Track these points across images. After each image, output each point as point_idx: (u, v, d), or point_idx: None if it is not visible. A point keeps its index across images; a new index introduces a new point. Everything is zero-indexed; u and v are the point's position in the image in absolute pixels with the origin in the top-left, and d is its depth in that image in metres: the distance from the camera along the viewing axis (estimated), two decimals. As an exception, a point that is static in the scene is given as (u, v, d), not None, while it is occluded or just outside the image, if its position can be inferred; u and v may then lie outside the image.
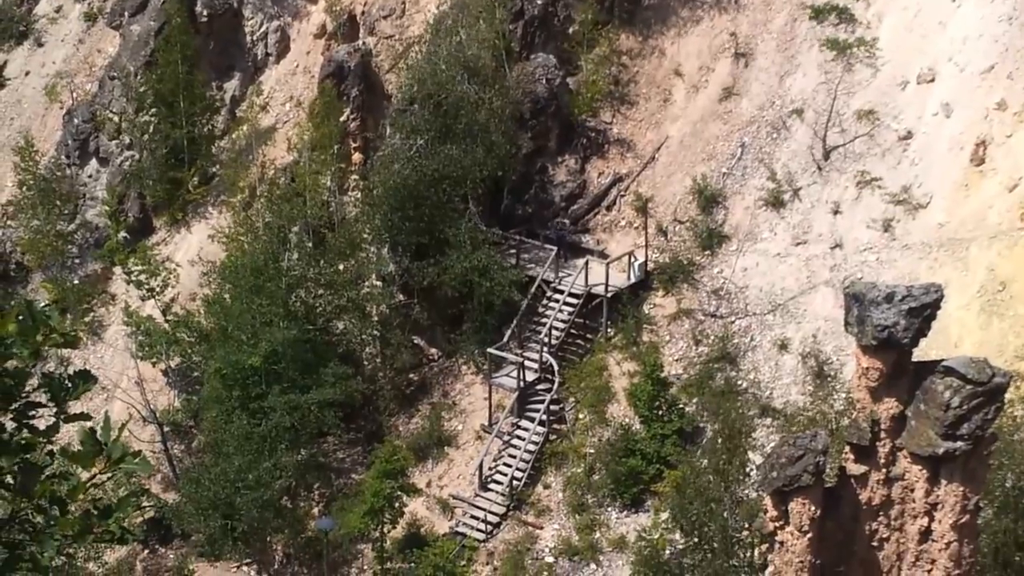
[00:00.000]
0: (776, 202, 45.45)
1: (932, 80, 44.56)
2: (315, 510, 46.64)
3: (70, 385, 7.34)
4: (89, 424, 7.63)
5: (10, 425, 7.26)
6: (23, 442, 7.25)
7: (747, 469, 35.89)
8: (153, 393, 52.18)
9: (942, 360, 22.47)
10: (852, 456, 22.79)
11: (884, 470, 22.34)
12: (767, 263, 44.43)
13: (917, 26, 46.09)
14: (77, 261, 60.78)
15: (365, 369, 49.16)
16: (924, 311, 22.12)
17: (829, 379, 40.21)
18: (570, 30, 52.92)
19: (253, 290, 46.60)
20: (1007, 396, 22.98)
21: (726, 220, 46.17)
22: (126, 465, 7.36)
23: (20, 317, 7.03)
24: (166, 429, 50.62)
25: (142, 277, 53.20)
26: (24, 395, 7.20)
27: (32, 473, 7.20)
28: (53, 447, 7.50)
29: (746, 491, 35.51)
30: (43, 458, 7.43)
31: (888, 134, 44.57)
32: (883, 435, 22.22)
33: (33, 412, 7.30)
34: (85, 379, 7.42)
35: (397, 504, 42.21)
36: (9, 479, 7.18)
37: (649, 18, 52.57)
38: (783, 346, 42.33)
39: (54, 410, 7.31)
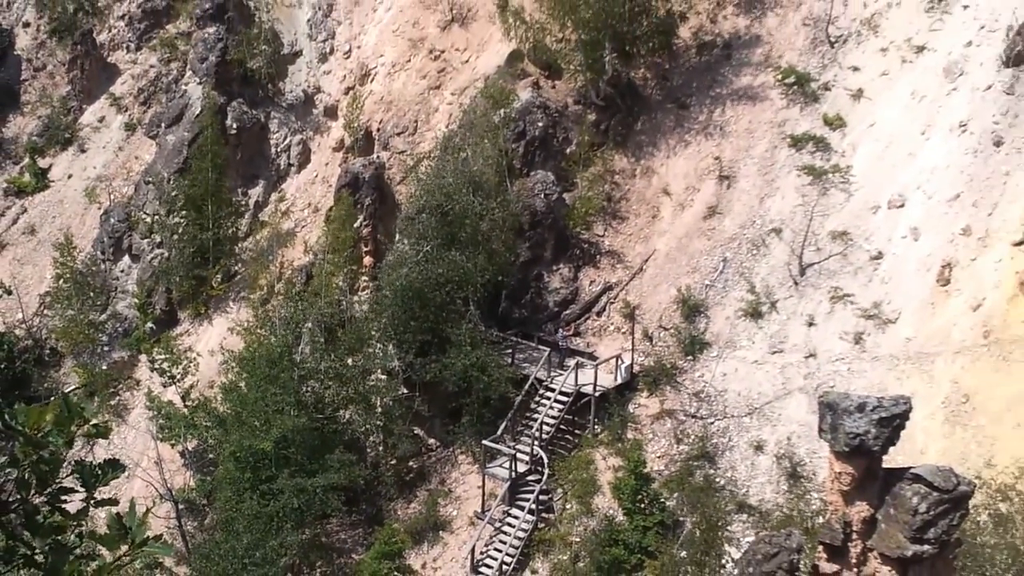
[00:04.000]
0: (755, 313, 45.31)
1: (902, 206, 44.69)
2: (317, 588, 46.02)
3: (100, 472, 7.23)
4: (116, 509, 7.51)
5: (44, 508, 7.14)
6: (55, 524, 7.12)
7: (723, 561, 35.43)
8: (171, 472, 51.83)
9: (910, 467, 22.18)
10: (825, 555, 22.40)
11: (855, 569, 21.94)
12: (745, 369, 44.17)
13: (888, 156, 46.37)
14: (106, 348, 60.75)
15: (368, 456, 48.80)
16: (894, 421, 21.87)
17: (802, 479, 39.76)
18: (568, 150, 53.37)
19: (267, 380, 46.41)
20: (971, 503, 22.67)
21: (707, 328, 46.00)
22: (148, 548, 7.22)
23: (59, 410, 6.96)
24: (181, 507, 50.15)
25: (165, 365, 53.25)
26: (57, 481, 7.08)
27: (62, 554, 7.06)
28: (82, 529, 7.38)
29: (722, 583, 35.01)
30: (72, 540, 7.30)
31: (860, 254, 44.57)
32: (855, 536, 21.85)
33: (65, 497, 7.18)
34: (114, 467, 7.31)
35: (394, 585, 41.67)
36: (40, 558, 7.04)
37: (641, 142, 53.00)
38: (759, 447, 41.90)
39: (84, 495, 7.19)
